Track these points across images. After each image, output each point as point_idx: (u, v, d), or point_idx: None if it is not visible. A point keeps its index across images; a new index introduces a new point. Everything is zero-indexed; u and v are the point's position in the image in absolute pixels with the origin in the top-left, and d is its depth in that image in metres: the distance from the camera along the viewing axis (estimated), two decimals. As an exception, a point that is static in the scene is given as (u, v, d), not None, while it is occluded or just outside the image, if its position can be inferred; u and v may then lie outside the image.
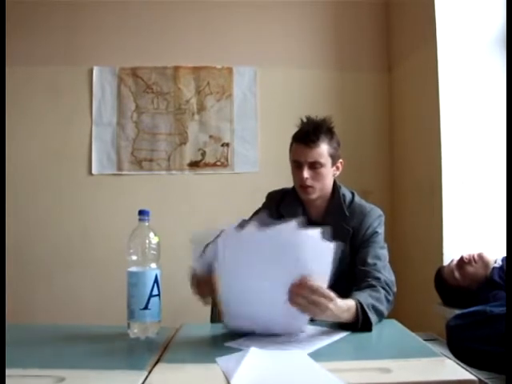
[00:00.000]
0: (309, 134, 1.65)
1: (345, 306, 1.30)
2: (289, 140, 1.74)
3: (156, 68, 3.03)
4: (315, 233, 1.21)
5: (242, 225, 1.68)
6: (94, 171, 2.99)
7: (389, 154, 3.08)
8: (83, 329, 1.43)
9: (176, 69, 3.04)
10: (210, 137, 3.04)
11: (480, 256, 2.07)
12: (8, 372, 0.96)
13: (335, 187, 1.74)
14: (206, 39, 3.04)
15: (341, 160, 1.74)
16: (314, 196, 1.69)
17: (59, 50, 3.00)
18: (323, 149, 1.66)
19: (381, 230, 1.68)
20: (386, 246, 1.66)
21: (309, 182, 1.66)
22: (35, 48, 2.99)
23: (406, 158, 2.87)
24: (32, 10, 2.98)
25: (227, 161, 3.04)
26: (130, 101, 3.03)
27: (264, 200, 1.87)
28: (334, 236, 1.25)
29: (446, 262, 2.28)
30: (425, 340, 1.28)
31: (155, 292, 1.28)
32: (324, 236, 1.21)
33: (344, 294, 1.33)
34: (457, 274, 2.08)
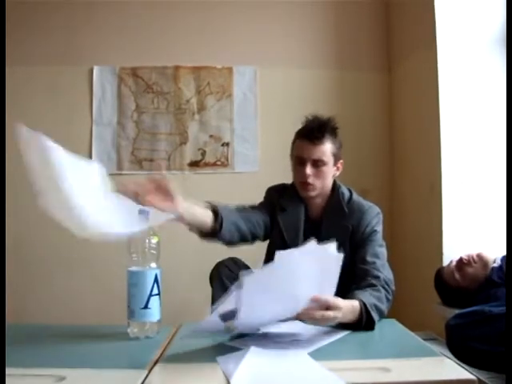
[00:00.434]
0: (314, 131, 1.66)
1: (350, 308, 1.31)
2: (289, 139, 1.74)
3: (156, 68, 3.03)
4: (327, 247, 1.20)
5: (240, 209, 1.69)
6: (94, 171, 2.98)
7: (389, 154, 3.07)
8: (83, 328, 1.44)
9: (176, 68, 3.04)
10: (210, 136, 3.04)
11: (479, 256, 2.07)
12: (8, 371, 0.96)
13: (335, 186, 1.75)
14: (206, 39, 3.04)
15: (341, 161, 1.75)
16: (313, 194, 1.70)
17: (59, 49, 3.00)
18: (327, 147, 1.67)
19: (379, 228, 1.69)
20: (384, 244, 1.67)
21: (310, 180, 1.66)
22: (35, 48, 2.98)
23: (406, 157, 2.87)
24: (32, 10, 2.98)
25: (227, 160, 3.04)
26: (131, 100, 3.03)
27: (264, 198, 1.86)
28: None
29: (445, 261, 2.28)
30: (424, 340, 1.29)
31: (155, 291, 1.28)
32: (333, 247, 1.20)
33: (344, 289, 1.34)
34: (457, 276, 2.07)
